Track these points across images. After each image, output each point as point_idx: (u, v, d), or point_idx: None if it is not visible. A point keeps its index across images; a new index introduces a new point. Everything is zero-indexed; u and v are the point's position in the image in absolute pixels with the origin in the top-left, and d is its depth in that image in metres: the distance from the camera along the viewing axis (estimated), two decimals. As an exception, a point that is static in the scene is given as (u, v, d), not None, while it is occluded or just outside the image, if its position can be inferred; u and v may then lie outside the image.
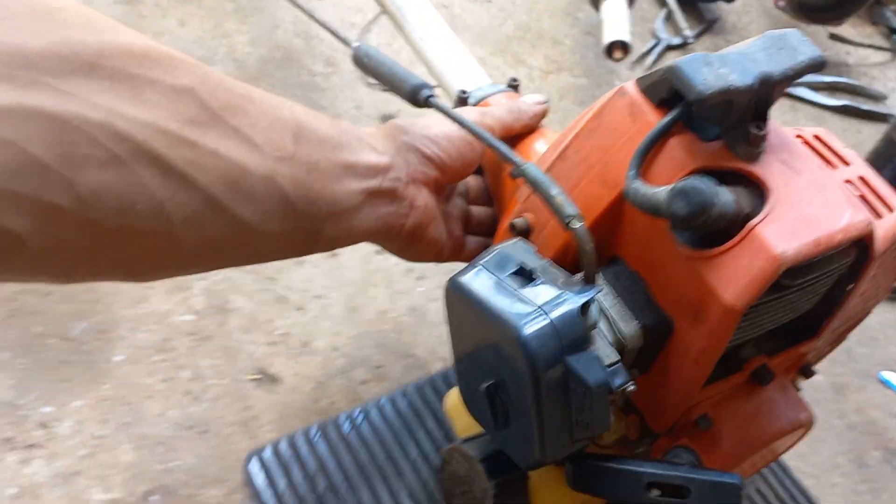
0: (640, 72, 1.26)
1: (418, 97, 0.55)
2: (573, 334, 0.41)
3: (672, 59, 1.32)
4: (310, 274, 0.91)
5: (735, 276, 0.43)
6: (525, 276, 0.44)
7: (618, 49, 1.11)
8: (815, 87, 1.29)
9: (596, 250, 0.44)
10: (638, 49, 1.29)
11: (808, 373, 0.58)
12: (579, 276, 0.45)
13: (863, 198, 0.50)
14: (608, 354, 0.44)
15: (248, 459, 0.73)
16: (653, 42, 1.31)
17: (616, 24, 1.14)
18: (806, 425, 0.55)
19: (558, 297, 0.42)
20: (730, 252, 0.43)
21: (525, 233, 0.53)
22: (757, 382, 0.53)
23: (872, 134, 1.26)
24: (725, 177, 0.45)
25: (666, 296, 0.49)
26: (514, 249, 0.46)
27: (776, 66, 0.44)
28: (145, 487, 0.72)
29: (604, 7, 1.20)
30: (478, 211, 0.64)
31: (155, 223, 0.38)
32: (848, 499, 0.82)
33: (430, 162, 0.53)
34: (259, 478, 0.73)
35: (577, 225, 0.44)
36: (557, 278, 0.44)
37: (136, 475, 0.73)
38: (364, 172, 0.49)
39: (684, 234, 0.46)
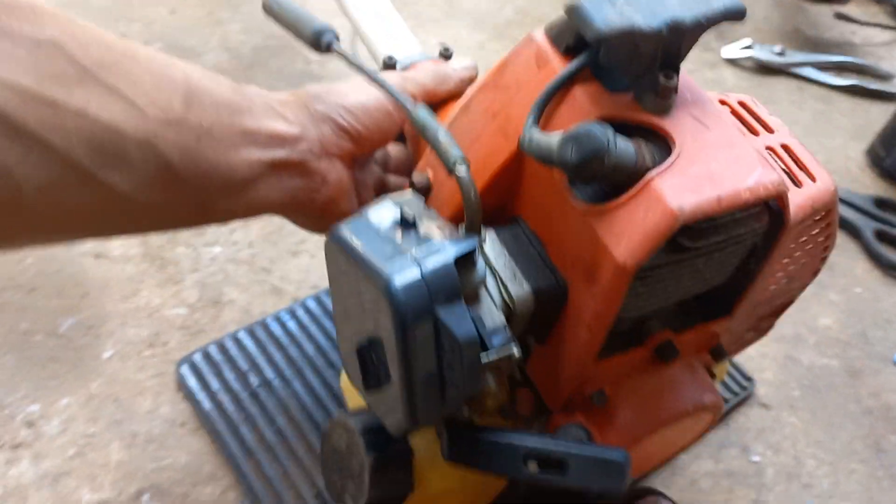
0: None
1: (320, 42, 0.52)
2: (445, 286, 0.39)
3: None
4: (306, 264, 0.88)
5: (628, 232, 0.40)
6: (406, 227, 0.41)
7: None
8: (822, 66, 1.26)
9: (480, 199, 0.42)
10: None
11: (719, 354, 0.54)
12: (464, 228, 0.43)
13: (784, 167, 0.47)
14: (493, 316, 0.42)
15: (179, 365, 0.76)
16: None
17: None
18: (711, 409, 0.52)
19: (434, 246, 0.40)
20: (625, 206, 0.40)
21: (425, 189, 0.51)
22: (660, 359, 0.50)
23: (882, 113, 1.23)
24: (630, 130, 0.43)
25: (562, 257, 0.46)
26: (402, 201, 0.43)
27: (688, 11, 0.40)
28: (136, 487, 0.69)
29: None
30: (396, 181, 0.61)
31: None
32: (866, 486, 0.79)
33: (346, 134, 0.50)
34: (191, 380, 0.75)
35: (460, 168, 0.42)
36: (439, 230, 0.42)
37: (126, 474, 0.70)
38: (267, 142, 0.45)
39: (583, 190, 0.43)
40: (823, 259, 0.55)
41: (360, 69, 0.49)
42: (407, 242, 0.40)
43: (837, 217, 0.51)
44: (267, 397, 0.75)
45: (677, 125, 0.43)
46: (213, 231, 0.89)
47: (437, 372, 0.40)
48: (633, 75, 0.42)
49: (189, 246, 0.88)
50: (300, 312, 0.82)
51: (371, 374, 0.43)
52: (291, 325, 0.80)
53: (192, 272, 0.85)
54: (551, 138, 0.40)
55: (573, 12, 0.40)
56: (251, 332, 0.79)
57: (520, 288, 0.45)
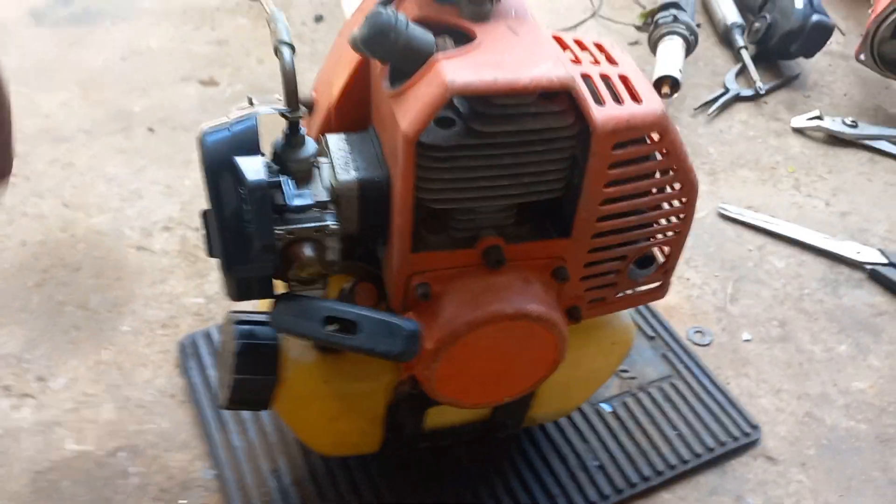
0: (702, 119, 1.23)
1: None
2: (246, 140, 0.46)
3: (741, 110, 1.28)
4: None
5: (412, 106, 0.45)
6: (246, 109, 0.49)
7: (666, 84, 1.09)
8: (898, 140, 1.20)
9: (295, 77, 0.48)
10: (705, 97, 1.25)
11: (561, 277, 0.54)
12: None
13: (613, 89, 0.50)
14: (317, 193, 0.49)
15: (182, 341, 0.81)
16: (720, 91, 1.27)
17: (667, 61, 1.12)
18: (535, 317, 0.52)
19: (248, 115, 0.47)
20: (415, 85, 0.46)
21: (308, 105, 0.58)
22: (487, 264, 0.52)
23: (963, 190, 1.14)
24: (449, 34, 0.49)
25: (386, 148, 0.51)
26: (261, 99, 0.51)
27: None
28: (116, 444, 0.74)
29: (660, 48, 1.19)
30: None
31: None
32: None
33: None
34: (189, 355, 0.80)
35: (284, 49, 0.48)
36: (267, 109, 0.49)
37: (111, 432, 0.75)
38: None
39: (394, 81, 0.48)
40: (683, 202, 0.55)
41: None
42: (237, 121, 0.47)
43: (680, 151, 0.52)
44: None
45: (486, 29, 0.48)
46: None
47: (241, 221, 0.46)
48: None
49: (221, 247, 0.94)
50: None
51: (208, 240, 0.50)
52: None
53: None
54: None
55: None
56: None
57: (346, 174, 0.50)
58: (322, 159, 0.51)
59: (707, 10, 1.44)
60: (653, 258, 0.58)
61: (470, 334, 0.51)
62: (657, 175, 0.52)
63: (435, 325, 0.50)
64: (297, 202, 0.46)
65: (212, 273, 0.91)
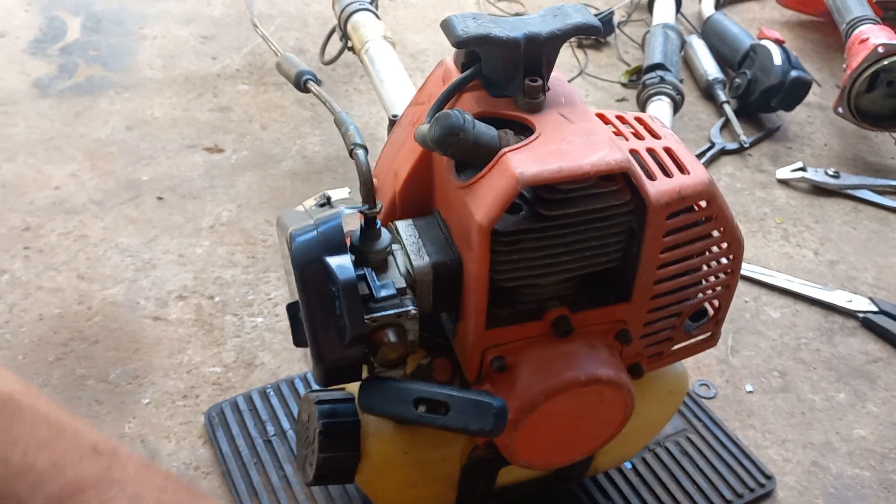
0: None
1: (300, 81, 0.68)
2: (334, 239, 0.49)
3: (727, 163, 1.33)
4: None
5: (484, 197, 0.49)
6: (322, 206, 0.53)
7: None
8: (879, 190, 1.25)
9: (372, 177, 0.53)
10: (693, 151, 1.30)
11: (625, 339, 0.58)
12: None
13: (660, 162, 0.54)
14: (394, 279, 0.52)
15: (209, 411, 0.83)
16: (707, 145, 1.32)
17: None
18: (606, 381, 0.55)
19: (331, 212, 0.50)
20: (485, 178, 0.50)
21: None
22: (556, 333, 0.56)
23: (944, 236, 1.19)
24: (505, 125, 0.53)
25: (456, 234, 0.55)
26: (329, 192, 0.55)
27: (545, 27, 0.52)
28: (145, 518, 0.75)
29: (649, 109, 1.24)
30: None
31: None
32: None
33: None
34: (216, 424, 0.82)
35: (359, 152, 0.53)
36: (344, 204, 0.53)
37: (139, 507, 0.76)
38: None
39: (464, 175, 0.52)
40: (730, 257, 0.59)
41: (326, 102, 0.61)
42: (319, 216, 0.51)
43: (727, 214, 0.57)
44: (279, 445, 0.80)
45: (543, 119, 0.52)
46: (258, 304, 0.98)
47: (331, 314, 0.49)
48: (507, 81, 0.53)
49: (236, 315, 0.97)
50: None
51: (298, 331, 0.53)
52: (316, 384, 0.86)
53: (234, 337, 0.94)
54: (428, 126, 0.50)
55: (442, 24, 0.52)
56: (277, 389, 0.86)
57: (421, 260, 0.54)
58: (394, 245, 0.55)
59: (689, 66, 1.51)
60: (705, 311, 0.63)
61: (546, 402, 0.54)
62: (707, 236, 0.57)
63: (513, 396, 0.54)
64: (383, 293, 0.51)
65: (228, 342, 0.93)
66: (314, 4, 1.65)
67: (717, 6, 1.65)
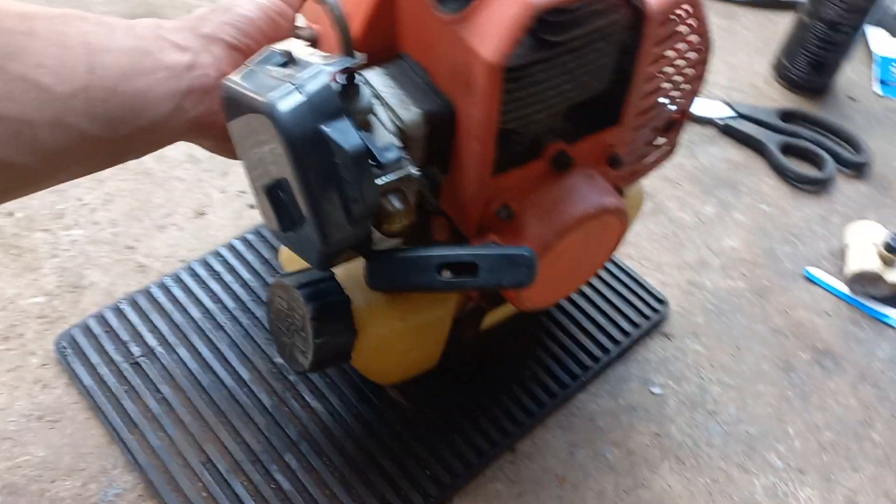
0: None
1: None
2: (327, 103, 0.41)
3: None
4: (174, 238, 0.83)
5: (491, 30, 0.42)
6: (286, 64, 0.44)
7: None
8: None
9: (346, 22, 0.45)
10: None
11: (616, 163, 0.56)
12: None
13: None
14: (384, 138, 0.46)
15: (57, 342, 0.73)
16: None
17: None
18: (614, 212, 0.54)
19: (311, 71, 0.42)
20: (485, 7, 0.43)
21: (312, 42, 0.53)
22: (556, 169, 0.52)
23: (786, 24, 1.19)
24: None
25: (442, 76, 0.48)
26: (284, 45, 0.46)
27: None
28: (-13, 492, 0.65)
29: None
30: None
31: None
32: (776, 407, 0.77)
33: (237, 51, 0.50)
34: (70, 356, 0.72)
35: None
36: (318, 59, 0.44)
37: (-25, 481, 0.65)
38: (168, 76, 0.46)
39: (448, 6, 0.45)
40: (702, 63, 0.56)
41: None
42: (288, 75, 0.42)
43: (705, 17, 0.53)
44: (150, 366, 0.72)
45: None
46: (72, 213, 0.84)
47: (336, 190, 0.43)
48: None
49: (47, 230, 0.82)
50: (185, 276, 0.79)
51: (284, 214, 0.45)
52: (177, 291, 0.77)
53: (51, 258, 0.80)
54: None
55: None
56: (132, 302, 0.76)
57: (408, 112, 0.47)
58: (373, 100, 0.48)
59: None
60: (673, 122, 0.60)
61: (559, 242, 0.51)
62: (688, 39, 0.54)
63: (522, 243, 0.51)
64: (389, 156, 0.44)
65: (45, 264, 0.79)
66: None
67: None
